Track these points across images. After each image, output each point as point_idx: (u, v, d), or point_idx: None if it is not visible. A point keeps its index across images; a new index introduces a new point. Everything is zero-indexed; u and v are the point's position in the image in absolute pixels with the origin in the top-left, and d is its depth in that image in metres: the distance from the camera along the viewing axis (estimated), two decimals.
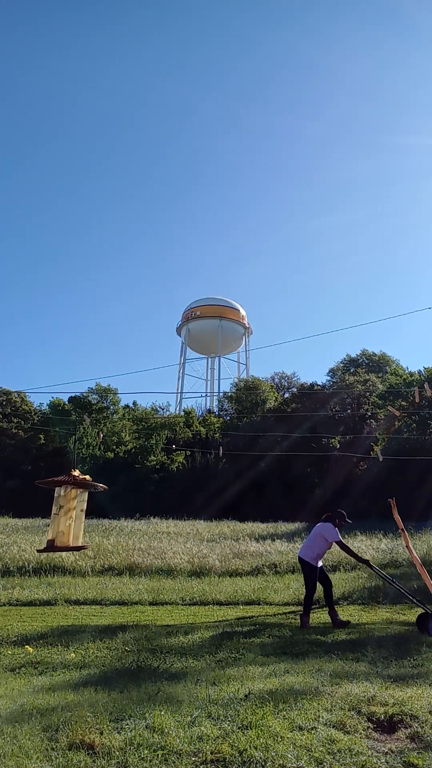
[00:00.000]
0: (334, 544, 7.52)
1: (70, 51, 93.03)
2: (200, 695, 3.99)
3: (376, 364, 46.50)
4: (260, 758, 2.89)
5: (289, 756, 2.91)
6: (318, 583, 7.53)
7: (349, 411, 34.43)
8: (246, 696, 3.93)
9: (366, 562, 7.51)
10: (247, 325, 60.28)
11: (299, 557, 7.77)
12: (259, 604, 9.14)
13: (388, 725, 3.46)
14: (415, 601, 7.20)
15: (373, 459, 23.45)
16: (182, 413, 41.15)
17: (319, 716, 3.49)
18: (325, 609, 7.82)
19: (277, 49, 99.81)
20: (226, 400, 43.42)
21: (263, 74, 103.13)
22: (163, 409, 43.77)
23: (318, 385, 39.32)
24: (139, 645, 6.10)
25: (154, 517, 23.56)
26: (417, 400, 24.67)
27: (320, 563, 7.66)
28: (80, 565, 12.54)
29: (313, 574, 7.47)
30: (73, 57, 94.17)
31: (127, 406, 43.31)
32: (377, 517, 19.32)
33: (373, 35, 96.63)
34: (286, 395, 43.12)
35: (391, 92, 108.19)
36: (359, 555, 7.88)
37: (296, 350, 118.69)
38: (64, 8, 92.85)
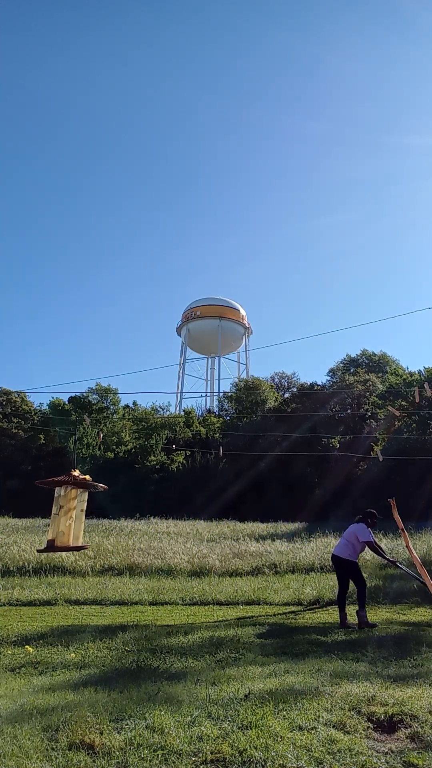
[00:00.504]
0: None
1: (70, 51, 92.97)
2: (200, 695, 3.99)
3: (376, 364, 46.48)
4: (260, 758, 2.89)
5: (289, 756, 2.91)
6: (337, 581, 7.60)
7: (349, 411, 34.44)
8: (246, 696, 3.93)
9: (394, 563, 7.74)
10: (247, 325, 60.25)
11: (335, 555, 7.74)
12: (259, 604, 9.14)
13: (388, 725, 3.46)
14: None
15: (373, 459, 23.44)
16: (182, 413, 41.10)
17: (319, 716, 3.49)
18: (326, 609, 7.83)
19: (277, 49, 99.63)
20: (226, 400, 43.36)
21: (263, 74, 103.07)
22: (163, 409, 43.73)
23: (318, 385, 39.31)
24: (139, 645, 6.10)
25: (154, 517, 23.53)
26: (417, 400, 24.67)
27: None
28: (80, 565, 12.54)
29: (355, 569, 7.49)
30: (73, 57, 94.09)
31: (127, 406, 43.27)
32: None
33: (373, 35, 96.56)
34: (286, 395, 43.08)
35: (391, 92, 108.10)
36: (388, 556, 7.98)
37: (296, 350, 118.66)
38: (64, 8, 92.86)
